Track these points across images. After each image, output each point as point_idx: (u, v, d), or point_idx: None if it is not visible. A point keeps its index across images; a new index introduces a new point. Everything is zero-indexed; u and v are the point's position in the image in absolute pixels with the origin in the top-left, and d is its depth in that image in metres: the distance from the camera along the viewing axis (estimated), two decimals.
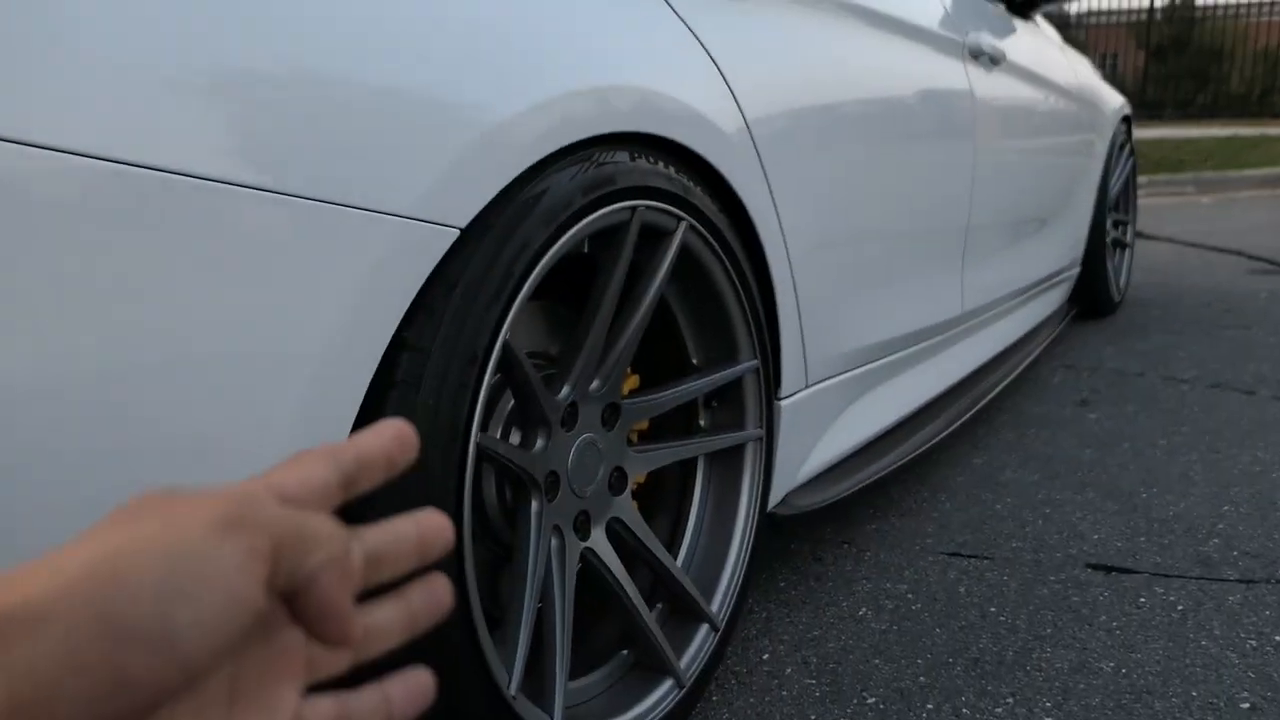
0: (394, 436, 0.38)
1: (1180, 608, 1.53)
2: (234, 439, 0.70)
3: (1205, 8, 17.44)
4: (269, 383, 0.72)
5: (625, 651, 1.19)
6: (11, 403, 0.60)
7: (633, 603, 1.13)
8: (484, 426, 1.04)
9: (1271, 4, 15.91)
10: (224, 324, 0.68)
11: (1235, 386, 2.64)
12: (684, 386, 1.22)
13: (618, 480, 1.16)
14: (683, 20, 1.16)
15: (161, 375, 0.66)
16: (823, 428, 1.61)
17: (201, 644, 0.29)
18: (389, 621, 0.38)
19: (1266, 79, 17.54)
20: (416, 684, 0.39)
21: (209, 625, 0.29)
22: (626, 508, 1.17)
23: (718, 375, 1.25)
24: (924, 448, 1.90)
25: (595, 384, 1.10)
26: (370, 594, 0.38)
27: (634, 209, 1.05)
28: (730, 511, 1.32)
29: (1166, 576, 1.63)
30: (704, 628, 1.25)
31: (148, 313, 0.64)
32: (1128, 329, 3.31)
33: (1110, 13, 17.28)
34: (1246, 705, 1.29)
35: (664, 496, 1.33)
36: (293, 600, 0.33)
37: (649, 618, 1.15)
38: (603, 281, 1.05)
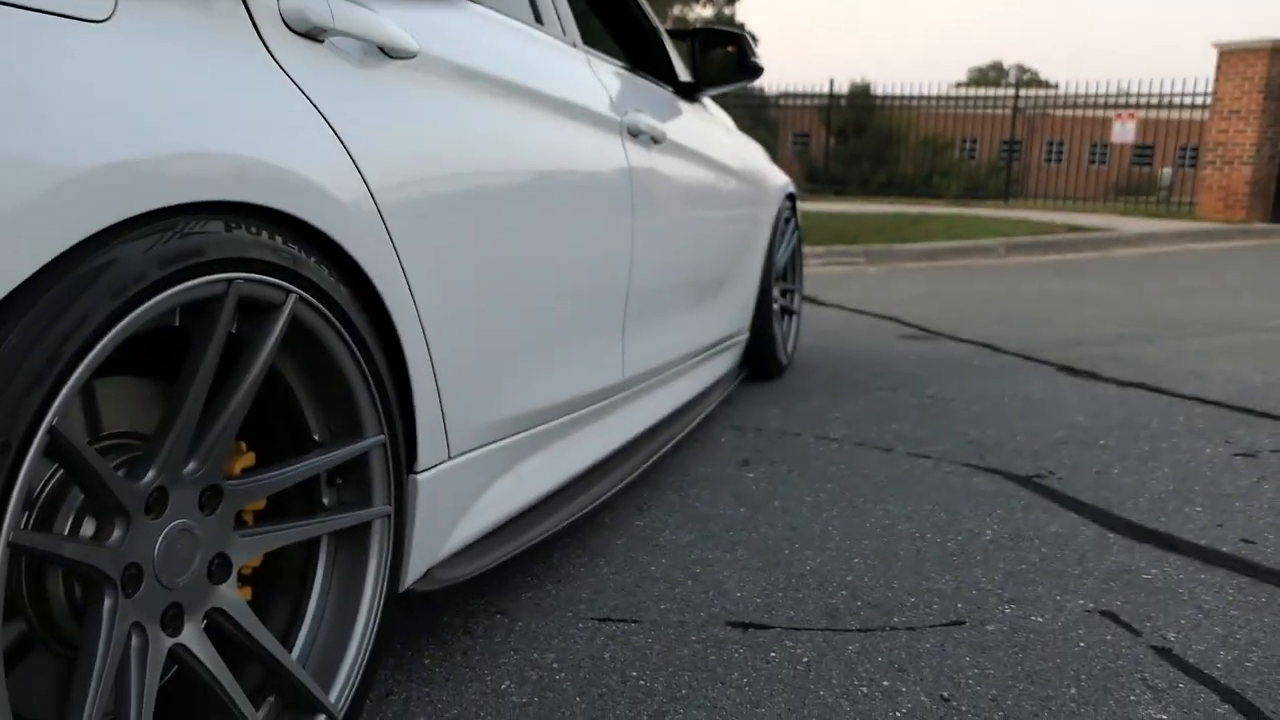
0: None
1: (805, 660, 1.63)
2: None
3: (880, 96, 19.34)
4: None
5: None
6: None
7: (233, 701, 1.06)
8: (42, 520, 0.96)
9: (934, 97, 17.89)
10: None
11: (876, 444, 2.89)
12: (299, 465, 1.16)
13: (219, 568, 1.09)
14: (298, 87, 1.12)
15: None
16: (470, 498, 1.60)
17: None
18: None
19: (930, 163, 19.74)
20: None
21: None
22: (230, 597, 1.10)
23: (338, 452, 1.21)
24: (585, 511, 1.93)
25: (191, 466, 1.02)
26: None
27: (230, 281, 0.99)
28: (355, 594, 1.27)
29: (797, 630, 1.73)
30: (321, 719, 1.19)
31: None
32: (792, 390, 3.56)
33: (803, 95, 18.81)
34: None
35: (284, 580, 1.26)
36: None
37: (253, 716, 1.08)
38: (193, 358, 0.99)
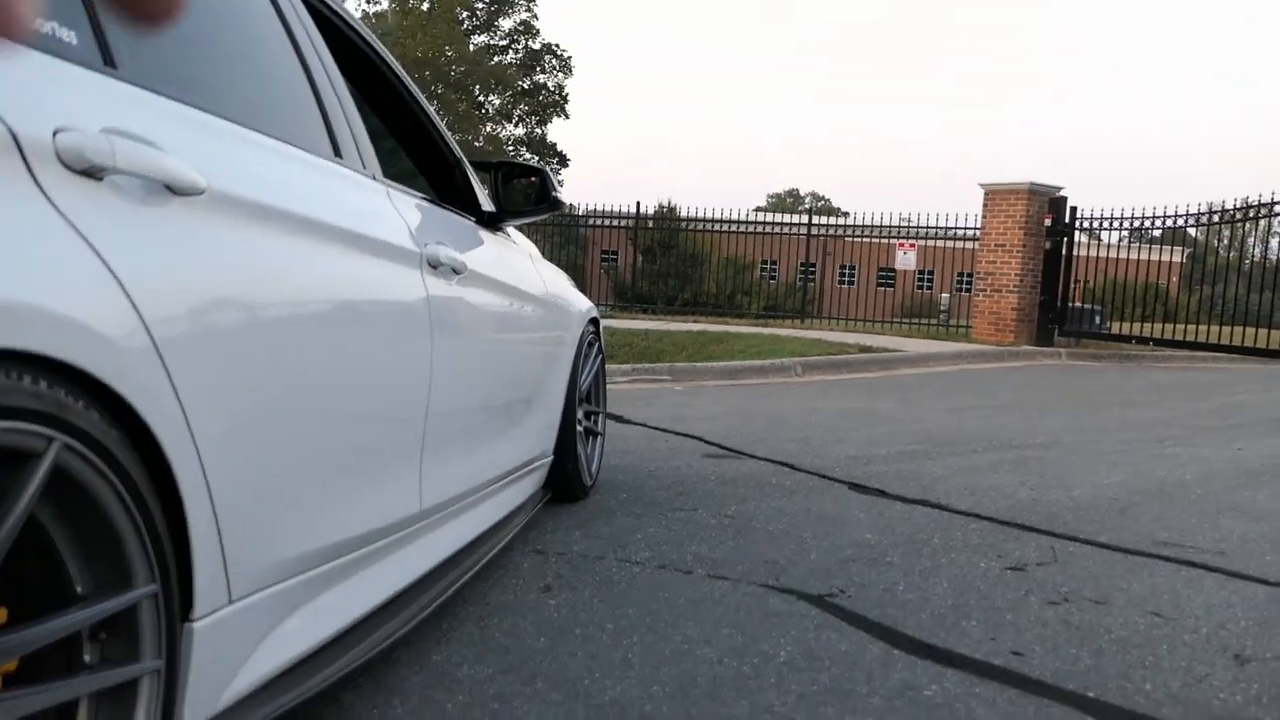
0: None
1: None
2: None
3: (685, 219, 20.16)
4: None
5: None
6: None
7: None
8: None
9: (735, 221, 18.83)
10: None
11: (677, 567, 2.93)
12: (55, 623, 1.09)
13: None
14: (73, 226, 1.09)
15: None
16: (254, 643, 1.53)
17: None
18: None
19: (733, 282, 20.63)
20: None
21: None
22: None
23: (102, 606, 1.14)
24: (379, 649, 1.87)
25: None
26: None
27: None
28: None
29: None
30: None
31: None
32: (596, 513, 3.58)
33: (611, 215, 19.38)
34: None
35: None
36: None
37: None
38: None
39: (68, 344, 1.03)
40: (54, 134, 1.09)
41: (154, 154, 1.23)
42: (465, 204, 2.66)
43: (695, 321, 14.56)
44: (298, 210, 1.62)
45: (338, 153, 1.94)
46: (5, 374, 0.97)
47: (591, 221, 19.95)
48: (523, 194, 2.96)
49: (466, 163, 2.71)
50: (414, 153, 2.63)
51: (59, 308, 1.03)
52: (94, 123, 1.15)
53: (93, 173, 1.14)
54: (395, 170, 2.26)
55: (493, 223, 2.82)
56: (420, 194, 2.35)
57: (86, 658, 1.17)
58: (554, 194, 2.84)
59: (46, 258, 1.04)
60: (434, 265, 2.15)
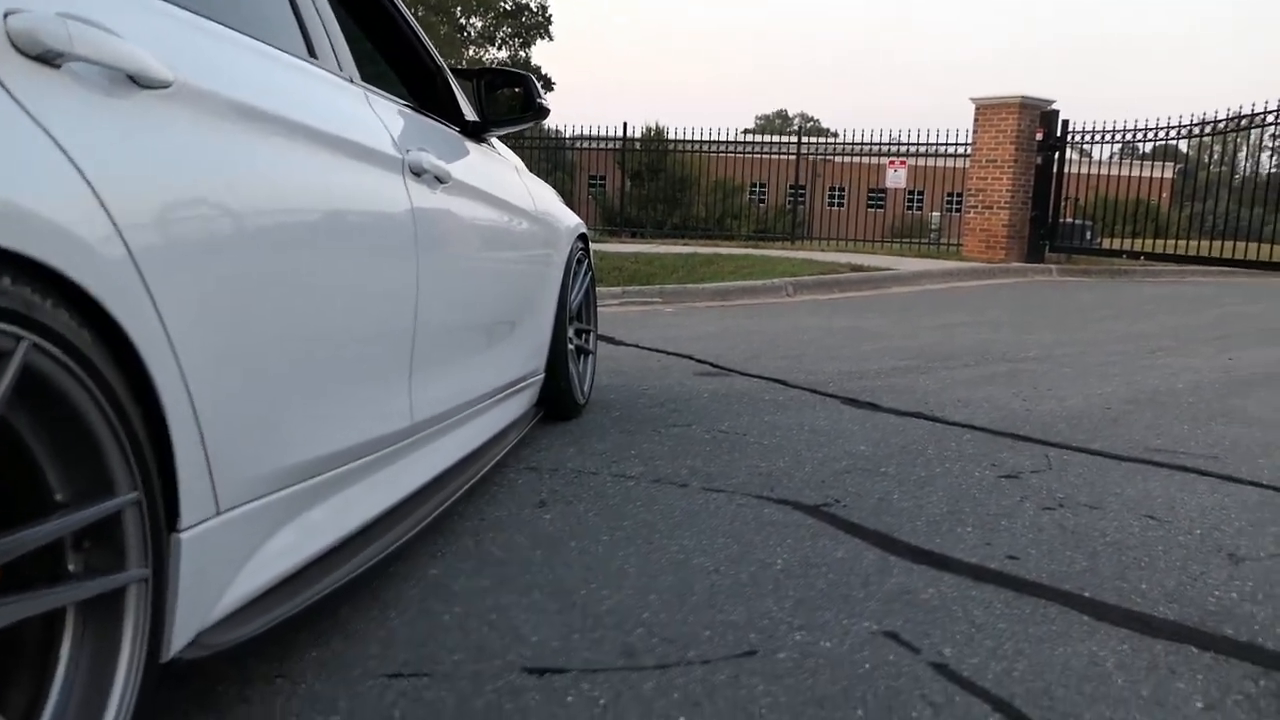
0: None
1: (602, 701, 1.61)
2: None
3: (673, 140, 19.90)
4: None
5: None
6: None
7: None
8: None
9: (724, 142, 18.58)
10: None
11: (672, 480, 2.92)
12: (35, 530, 1.05)
13: None
14: (29, 114, 1.03)
15: None
16: (245, 555, 1.50)
17: None
18: None
19: (722, 205, 20.46)
20: None
21: None
22: None
23: (83, 513, 1.11)
24: (374, 562, 1.86)
25: None
26: None
27: None
28: (108, 668, 1.16)
29: (594, 671, 1.71)
30: None
31: None
32: (590, 430, 3.56)
33: (597, 138, 19.11)
34: None
35: (25, 656, 1.14)
36: None
37: None
38: None
39: (30, 237, 0.98)
40: (4, 15, 1.03)
41: (114, 41, 1.16)
42: (447, 113, 2.58)
43: (685, 245, 14.44)
44: (272, 109, 1.55)
45: (312, 53, 1.86)
46: None
47: (578, 145, 19.68)
48: (506, 105, 2.88)
49: (448, 70, 2.63)
50: (392, 59, 2.54)
51: (24, 201, 0.98)
52: (47, 6, 1.09)
53: (48, 59, 1.07)
54: (374, 82, 2.18)
55: (477, 133, 2.75)
56: (400, 100, 2.27)
57: (71, 567, 1.14)
58: (539, 101, 2.76)
59: (6, 147, 0.99)
60: (417, 173, 2.08)
